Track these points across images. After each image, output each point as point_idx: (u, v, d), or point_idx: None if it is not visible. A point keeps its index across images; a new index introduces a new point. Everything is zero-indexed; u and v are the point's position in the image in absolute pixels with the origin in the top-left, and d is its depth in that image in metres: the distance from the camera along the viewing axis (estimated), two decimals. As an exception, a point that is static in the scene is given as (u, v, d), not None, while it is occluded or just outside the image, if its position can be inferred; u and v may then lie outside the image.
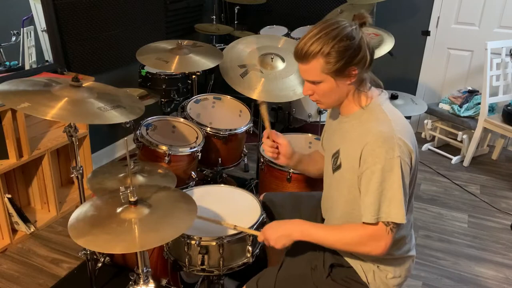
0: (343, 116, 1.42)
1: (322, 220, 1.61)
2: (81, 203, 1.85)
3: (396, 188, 1.24)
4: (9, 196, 2.39)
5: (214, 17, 3.94)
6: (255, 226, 1.62)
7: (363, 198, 1.29)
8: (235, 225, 1.57)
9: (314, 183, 2.04)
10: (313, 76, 1.32)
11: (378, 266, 1.43)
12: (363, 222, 1.29)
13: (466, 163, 3.49)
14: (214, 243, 1.57)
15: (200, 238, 1.56)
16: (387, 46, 2.76)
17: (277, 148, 1.63)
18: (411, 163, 1.28)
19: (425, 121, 3.72)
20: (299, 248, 1.51)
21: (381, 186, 1.24)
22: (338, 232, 1.36)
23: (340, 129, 1.44)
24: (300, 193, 1.88)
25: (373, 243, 1.29)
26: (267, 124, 1.62)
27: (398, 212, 1.24)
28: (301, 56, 1.30)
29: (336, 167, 1.40)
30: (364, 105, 1.35)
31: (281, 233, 1.40)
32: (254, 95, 2.33)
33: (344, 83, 1.32)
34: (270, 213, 1.78)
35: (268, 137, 1.62)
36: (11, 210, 2.40)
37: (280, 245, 1.40)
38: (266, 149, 1.64)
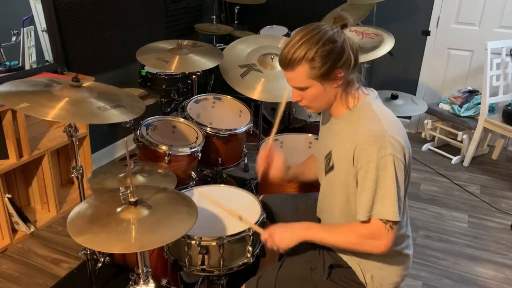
0: (333, 118, 1.43)
1: (318, 220, 1.61)
2: (81, 203, 1.85)
3: (390, 185, 1.24)
4: (9, 196, 2.39)
5: (214, 17, 3.94)
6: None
7: (359, 197, 1.29)
8: (241, 216, 1.58)
9: (314, 183, 2.04)
10: (299, 83, 1.32)
11: (376, 266, 1.43)
12: (360, 221, 1.30)
13: (466, 163, 3.49)
14: (214, 243, 1.57)
15: (200, 238, 1.56)
16: (387, 46, 2.77)
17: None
18: (405, 160, 1.28)
19: (425, 121, 3.72)
20: (299, 248, 1.51)
21: (375, 185, 1.25)
22: (339, 233, 1.36)
23: (331, 131, 1.45)
24: (297, 194, 1.89)
25: (373, 241, 1.29)
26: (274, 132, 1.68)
27: (390, 209, 1.25)
28: (286, 63, 1.30)
29: (329, 169, 1.41)
30: (352, 106, 1.36)
31: (287, 234, 1.41)
32: (254, 95, 2.33)
33: (331, 86, 1.32)
34: (269, 214, 1.78)
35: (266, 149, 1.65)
36: (11, 210, 2.40)
37: (284, 245, 1.40)
38: (260, 157, 1.66)
